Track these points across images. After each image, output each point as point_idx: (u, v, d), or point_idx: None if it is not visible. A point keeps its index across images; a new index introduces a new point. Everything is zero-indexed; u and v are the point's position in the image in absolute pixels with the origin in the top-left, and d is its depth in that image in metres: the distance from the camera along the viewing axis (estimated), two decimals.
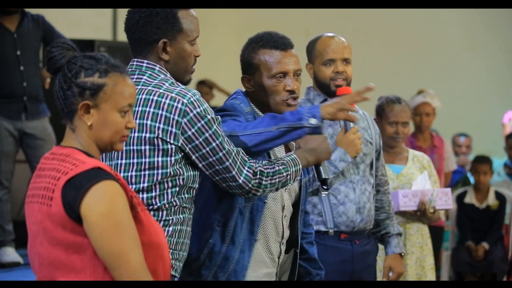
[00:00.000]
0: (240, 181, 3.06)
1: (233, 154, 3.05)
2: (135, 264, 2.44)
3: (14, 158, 6.23)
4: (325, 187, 3.34)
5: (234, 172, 3.05)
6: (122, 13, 9.39)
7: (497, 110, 10.15)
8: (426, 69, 10.65)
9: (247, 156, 3.12)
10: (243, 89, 3.52)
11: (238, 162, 3.06)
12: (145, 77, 3.05)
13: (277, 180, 3.14)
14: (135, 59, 3.12)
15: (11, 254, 6.05)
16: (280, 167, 3.15)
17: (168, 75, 3.10)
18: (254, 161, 3.13)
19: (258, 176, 3.09)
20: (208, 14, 10.04)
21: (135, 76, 3.04)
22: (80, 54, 2.60)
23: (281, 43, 3.42)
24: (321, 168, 3.32)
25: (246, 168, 3.07)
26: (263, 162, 3.17)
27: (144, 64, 3.09)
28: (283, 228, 3.46)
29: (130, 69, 3.07)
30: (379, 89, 6.77)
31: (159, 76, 3.07)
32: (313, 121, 3.18)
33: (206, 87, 9.66)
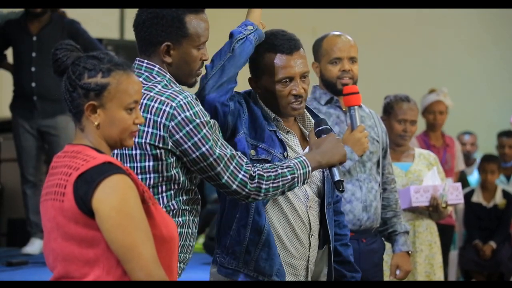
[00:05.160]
0: (234, 187, 2.99)
1: (225, 159, 2.97)
2: (147, 256, 2.46)
3: (37, 153, 6.42)
4: (339, 189, 3.26)
5: (226, 178, 2.98)
6: (129, 12, 9.43)
7: (505, 109, 10.14)
8: (433, 69, 10.64)
9: (245, 160, 3.05)
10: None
11: (232, 167, 2.98)
12: (140, 79, 2.99)
13: (280, 183, 3.05)
14: (138, 58, 3.09)
15: (39, 245, 6.28)
16: (285, 170, 3.07)
17: (168, 76, 3.05)
18: (253, 164, 3.07)
19: (256, 180, 3.01)
20: (217, 14, 10.04)
21: None
22: (84, 55, 2.61)
23: (286, 47, 3.38)
24: (334, 170, 3.24)
25: (242, 172, 2.99)
26: (265, 165, 3.10)
27: (144, 65, 3.06)
28: (309, 219, 3.42)
29: None
30: (385, 88, 6.78)
31: (156, 78, 3.03)
32: (250, 28, 3.31)
33: None
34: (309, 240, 3.44)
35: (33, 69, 6.37)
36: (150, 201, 2.56)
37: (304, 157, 3.15)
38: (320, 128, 3.32)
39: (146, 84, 3.00)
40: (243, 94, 3.43)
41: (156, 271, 2.47)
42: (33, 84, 6.38)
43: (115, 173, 2.48)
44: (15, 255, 6.40)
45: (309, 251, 3.45)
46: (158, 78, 3.03)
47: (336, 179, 3.24)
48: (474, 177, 8.87)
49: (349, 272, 3.62)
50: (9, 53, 6.72)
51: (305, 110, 3.53)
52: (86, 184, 2.46)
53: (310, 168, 3.12)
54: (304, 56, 3.42)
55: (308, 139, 3.39)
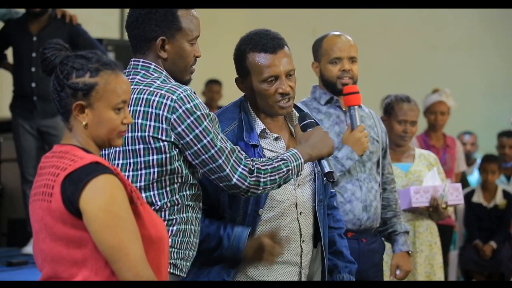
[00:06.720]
0: (235, 180, 3.02)
1: (226, 151, 3.01)
2: (135, 257, 2.46)
3: (37, 153, 6.43)
4: (331, 180, 3.29)
5: (227, 171, 3.01)
6: None
7: (505, 108, 10.14)
8: (433, 69, 10.64)
9: (244, 154, 3.08)
10: None
11: (232, 160, 3.01)
12: (138, 77, 3.05)
13: (276, 176, 3.09)
14: (133, 58, 3.11)
15: None
16: (280, 163, 3.11)
17: (164, 73, 3.08)
18: (251, 158, 3.10)
19: (255, 174, 3.04)
20: (217, 14, 10.06)
21: (130, 77, 3.04)
22: (72, 54, 2.61)
23: (270, 46, 3.36)
24: (324, 162, 3.27)
25: (242, 166, 3.03)
26: (261, 159, 3.14)
27: (140, 63, 3.08)
28: (299, 226, 3.41)
29: (128, 69, 3.08)
30: (385, 88, 6.77)
31: (153, 74, 3.05)
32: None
33: (216, 85, 9.65)
34: (301, 247, 3.42)
35: (33, 69, 6.39)
36: (138, 201, 2.56)
37: (296, 150, 3.19)
38: (305, 122, 3.34)
39: (145, 81, 3.02)
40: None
41: (144, 271, 2.47)
42: (33, 84, 6.38)
43: (103, 173, 2.47)
44: (15, 255, 6.38)
45: (301, 257, 3.43)
46: (156, 75, 3.06)
47: (326, 171, 3.27)
48: (474, 177, 8.86)
49: (342, 262, 3.58)
50: (9, 53, 6.73)
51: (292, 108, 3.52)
52: (74, 184, 2.46)
53: (302, 160, 3.17)
54: (289, 54, 3.41)
55: (294, 133, 3.40)
